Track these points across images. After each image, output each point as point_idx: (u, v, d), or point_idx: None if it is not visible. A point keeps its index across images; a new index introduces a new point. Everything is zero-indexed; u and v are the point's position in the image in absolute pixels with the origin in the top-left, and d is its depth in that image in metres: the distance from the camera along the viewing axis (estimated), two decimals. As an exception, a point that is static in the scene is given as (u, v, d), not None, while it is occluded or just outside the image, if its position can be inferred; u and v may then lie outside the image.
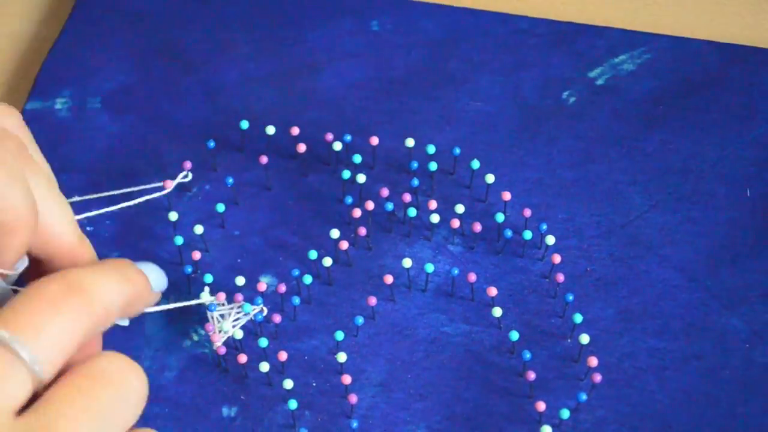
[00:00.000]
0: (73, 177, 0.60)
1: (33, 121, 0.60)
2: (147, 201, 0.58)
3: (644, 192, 0.59)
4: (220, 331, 0.54)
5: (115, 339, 0.55)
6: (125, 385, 0.40)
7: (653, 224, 0.58)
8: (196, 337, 0.56)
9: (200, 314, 0.56)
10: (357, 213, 0.57)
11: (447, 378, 0.54)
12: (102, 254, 0.58)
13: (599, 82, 0.62)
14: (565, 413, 0.52)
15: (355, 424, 0.52)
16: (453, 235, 0.58)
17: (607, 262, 0.57)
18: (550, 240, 0.56)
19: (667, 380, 0.54)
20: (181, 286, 0.57)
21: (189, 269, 0.56)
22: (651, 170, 0.60)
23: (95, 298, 0.41)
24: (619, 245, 0.57)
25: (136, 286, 0.44)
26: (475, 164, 0.58)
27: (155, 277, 0.48)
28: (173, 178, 0.59)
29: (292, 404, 0.52)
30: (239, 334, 0.54)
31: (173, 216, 0.58)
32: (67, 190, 0.60)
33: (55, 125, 0.62)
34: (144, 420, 0.53)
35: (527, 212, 0.57)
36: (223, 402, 0.54)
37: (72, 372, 0.39)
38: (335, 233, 0.57)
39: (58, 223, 0.47)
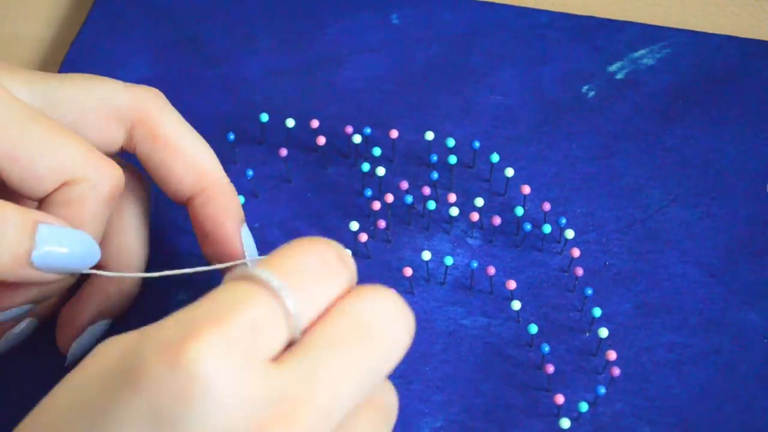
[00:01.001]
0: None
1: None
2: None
3: (663, 187, 0.59)
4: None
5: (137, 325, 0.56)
6: (391, 340, 0.38)
7: (672, 219, 0.58)
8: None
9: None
10: (376, 206, 0.57)
11: (465, 370, 0.55)
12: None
13: (619, 76, 0.62)
14: (584, 406, 0.52)
15: (373, 416, 0.52)
16: (472, 229, 0.58)
17: (626, 256, 0.57)
18: (570, 234, 0.56)
19: (685, 375, 0.54)
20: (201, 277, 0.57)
21: (209, 261, 0.57)
22: (670, 165, 0.60)
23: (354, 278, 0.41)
24: (638, 240, 0.58)
25: None
26: (495, 158, 0.58)
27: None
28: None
29: (311, 395, 0.53)
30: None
31: (194, 208, 0.58)
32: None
33: (76, 117, 0.63)
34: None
35: (546, 206, 0.57)
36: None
37: (333, 317, 0.38)
38: (355, 225, 0.57)
39: (209, 159, 0.52)
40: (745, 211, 0.58)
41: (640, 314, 0.56)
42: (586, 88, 0.62)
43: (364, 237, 0.57)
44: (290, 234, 0.59)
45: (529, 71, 0.63)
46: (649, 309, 0.56)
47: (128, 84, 0.52)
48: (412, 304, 0.56)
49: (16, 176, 0.47)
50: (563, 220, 0.57)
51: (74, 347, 0.53)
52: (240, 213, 0.53)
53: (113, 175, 0.48)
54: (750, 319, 0.55)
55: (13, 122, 0.46)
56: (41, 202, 0.48)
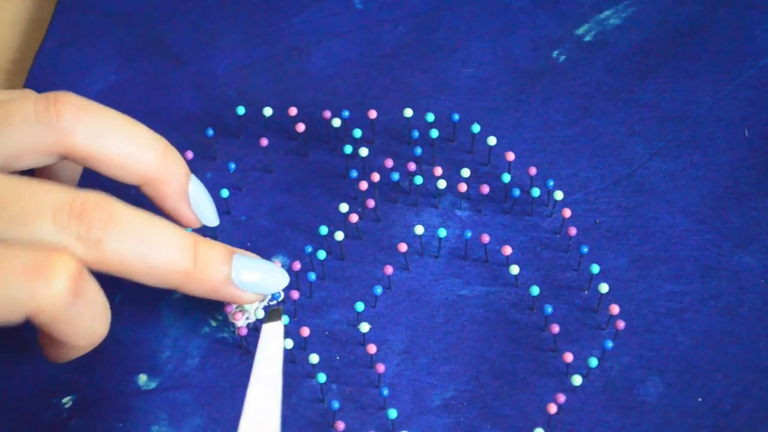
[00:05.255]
0: (78, 183, 0.60)
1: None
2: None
3: (644, 141, 0.59)
4: (241, 312, 0.54)
5: (134, 330, 0.55)
6: None
7: (657, 172, 0.58)
8: (214, 323, 0.56)
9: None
10: (364, 186, 0.57)
11: (469, 339, 0.55)
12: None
13: (587, 38, 0.63)
14: (594, 362, 0.52)
15: (386, 392, 0.52)
16: (460, 200, 0.58)
17: (616, 212, 0.57)
18: (559, 195, 0.57)
19: (687, 322, 0.54)
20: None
21: (201, 256, 0.56)
22: (648, 120, 0.60)
23: None
24: (626, 195, 0.58)
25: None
26: (476, 128, 0.58)
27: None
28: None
29: (322, 377, 0.52)
30: (261, 314, 0.54)
31: (179, 206, 0.57)
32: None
33: (49, 129, 0.62)
34: (170, 408, 0.54)
35: (532, 170, 0.57)
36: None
37: None
38: (344, 207, 0.57)
39: (142, 157, 0.52)
40: (727, 157, 0.59)
41: (636, 267, 0.56)
42: (556, 53, 0.63)
43: (354, 218, 0.56)
44: (279, 223, 0.58)
45: (498, 42, 0.63)
46: (645, 262, 0.56)
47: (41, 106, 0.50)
48: (408, 281, 0.56)
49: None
50: (551, 183, 0.57)
51: None
52: (183, 185, 0.53)
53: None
54: (745, 262, 0.56)
55: None
56: None
